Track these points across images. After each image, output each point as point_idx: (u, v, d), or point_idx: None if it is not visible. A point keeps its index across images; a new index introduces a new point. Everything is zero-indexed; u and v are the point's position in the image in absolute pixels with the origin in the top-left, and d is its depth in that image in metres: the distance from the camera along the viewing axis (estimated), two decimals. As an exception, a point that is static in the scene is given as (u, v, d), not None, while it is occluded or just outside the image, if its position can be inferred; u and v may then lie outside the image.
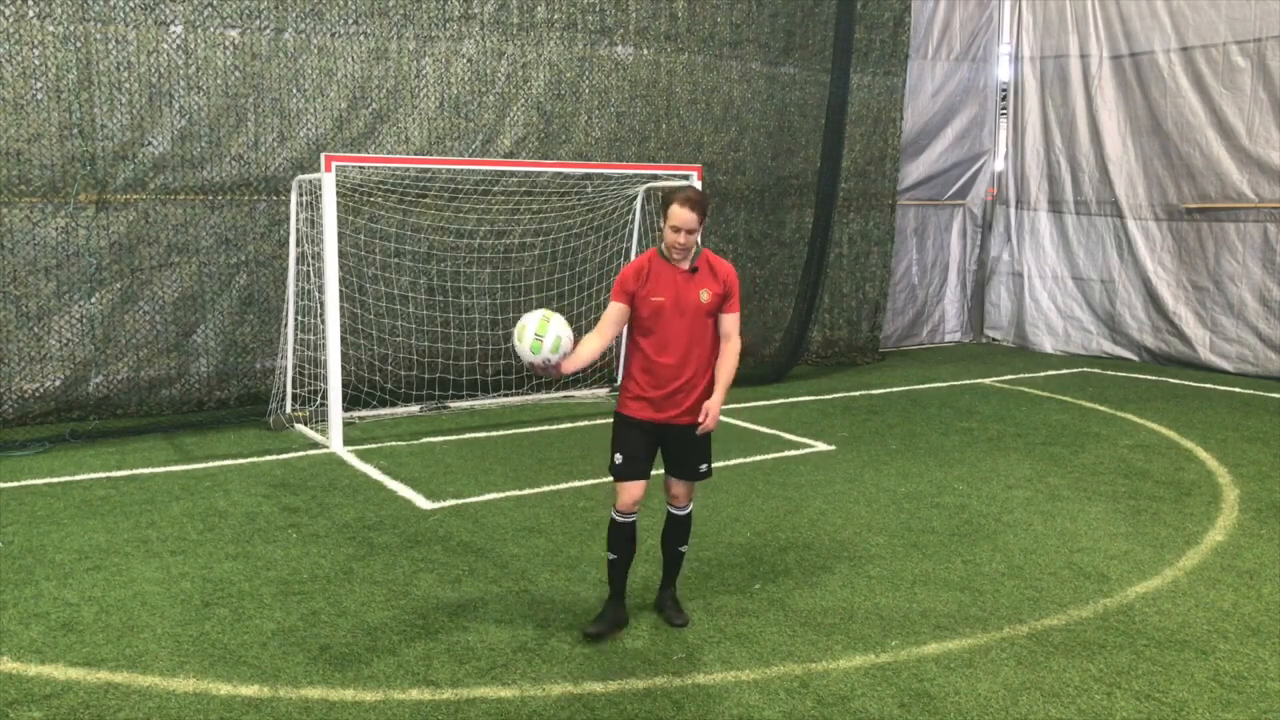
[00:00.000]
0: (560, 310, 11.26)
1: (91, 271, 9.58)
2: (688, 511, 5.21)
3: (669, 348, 4.91)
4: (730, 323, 5.05)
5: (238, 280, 10.22)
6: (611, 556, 5.10)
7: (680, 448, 5.05)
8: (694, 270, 4.97)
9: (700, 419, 4.87)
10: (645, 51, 12.03)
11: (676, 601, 5.31)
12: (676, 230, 4.84)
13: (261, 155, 10.13)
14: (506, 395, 10.94)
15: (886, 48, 13.95)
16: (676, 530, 5.24)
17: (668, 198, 4.91)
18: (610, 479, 5.17)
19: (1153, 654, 4.86)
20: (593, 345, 4.92)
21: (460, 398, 10.71)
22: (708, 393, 4.99)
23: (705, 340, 4.98)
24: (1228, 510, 7.16)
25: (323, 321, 9.10)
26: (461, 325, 10.98)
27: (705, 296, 4.93)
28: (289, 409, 9.86)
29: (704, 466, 5.12)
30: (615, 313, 4.98)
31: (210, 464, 8.31)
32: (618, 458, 5.02)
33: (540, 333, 4.53)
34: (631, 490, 5.00)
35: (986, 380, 12.56)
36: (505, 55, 11.15)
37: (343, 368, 9.23)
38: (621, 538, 5.07)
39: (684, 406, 4.95)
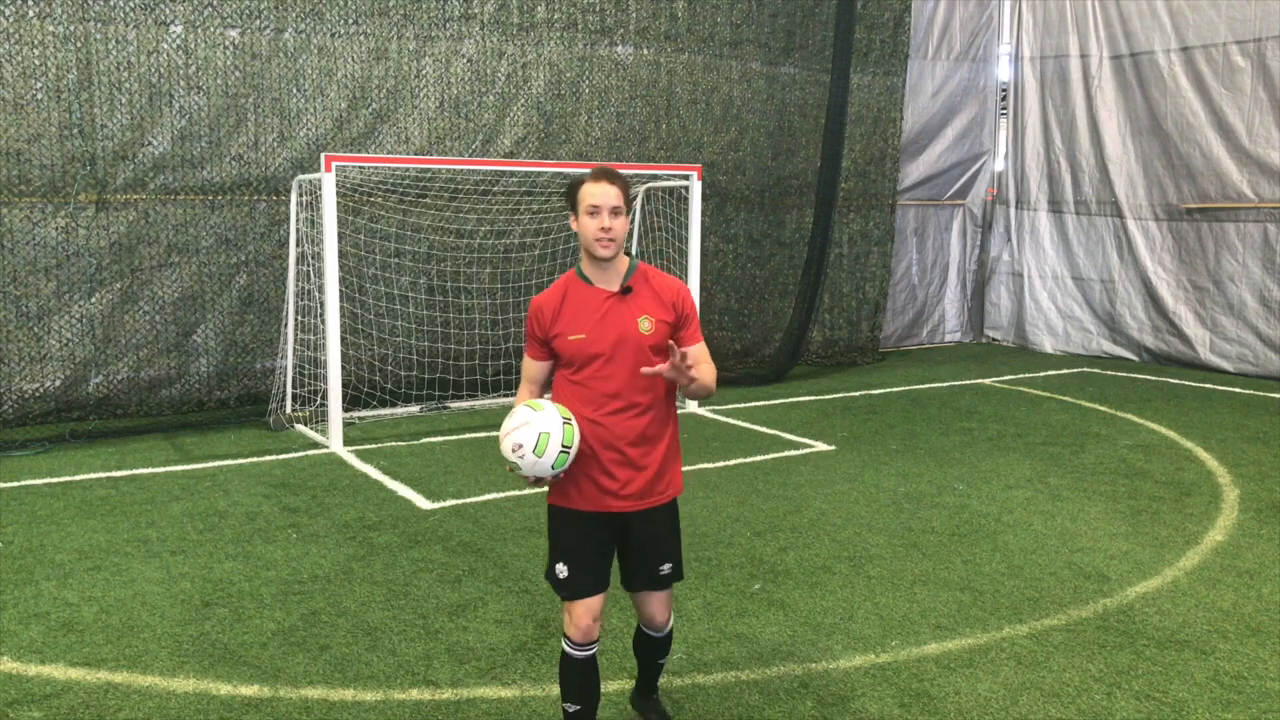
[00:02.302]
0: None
1: (91, 271, 9.58)
2: (667, 633, 3.98)
3: (605, 399, 3.61)
4: (694, 354, 3.70)
5: (238, 280, 10.22)
6: (570, 709, 3.73)
7: (636, 543, 3.76)
8: (626, 291, 3.65)
9: (673, 360, 3.50)
10: (645, 51, 12.03)
11: (662, 709, 4.21)
12: (595, 212, 3.55)
13: (261, 155, 10.14)
14: (506, 395, 10.93)
15: (886, 48, 13.95)
16: (652, 647, 4.04)
17: (576, 180, 3.65)
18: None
19: (1153, 654, 4.86)
20: None
21: (460, 398, 10.71)
22: (668, 464, 3.75)
23: (654, 387, 3.66)
24: (1228, 510, 7.16)
25: (323, 321, 9.10)
26: (461, 325, 10.98)
27: (647, 326, 3.62)
28: (289, 409, 9.86)
29: (667, 567, 3.82)
30: (531, 372, 3.80)
31: (210, 464, 8.31)
32: (560, 569, 3.71)
33: (568, 444, 3.52)
34: (586, 612, 3.67)
35: (986, 380, 12.56)
36: (505, 55, 11.16)
37: (343, 368, 9.23)
38: (579, 679, 3.72)
39: (637, 485, 3.66)
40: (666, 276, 3.79)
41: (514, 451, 3.52)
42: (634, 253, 11.33)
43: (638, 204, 11.62)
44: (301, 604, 5.40)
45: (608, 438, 3.62)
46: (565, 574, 3.71)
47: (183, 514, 6.94)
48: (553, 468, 3.54)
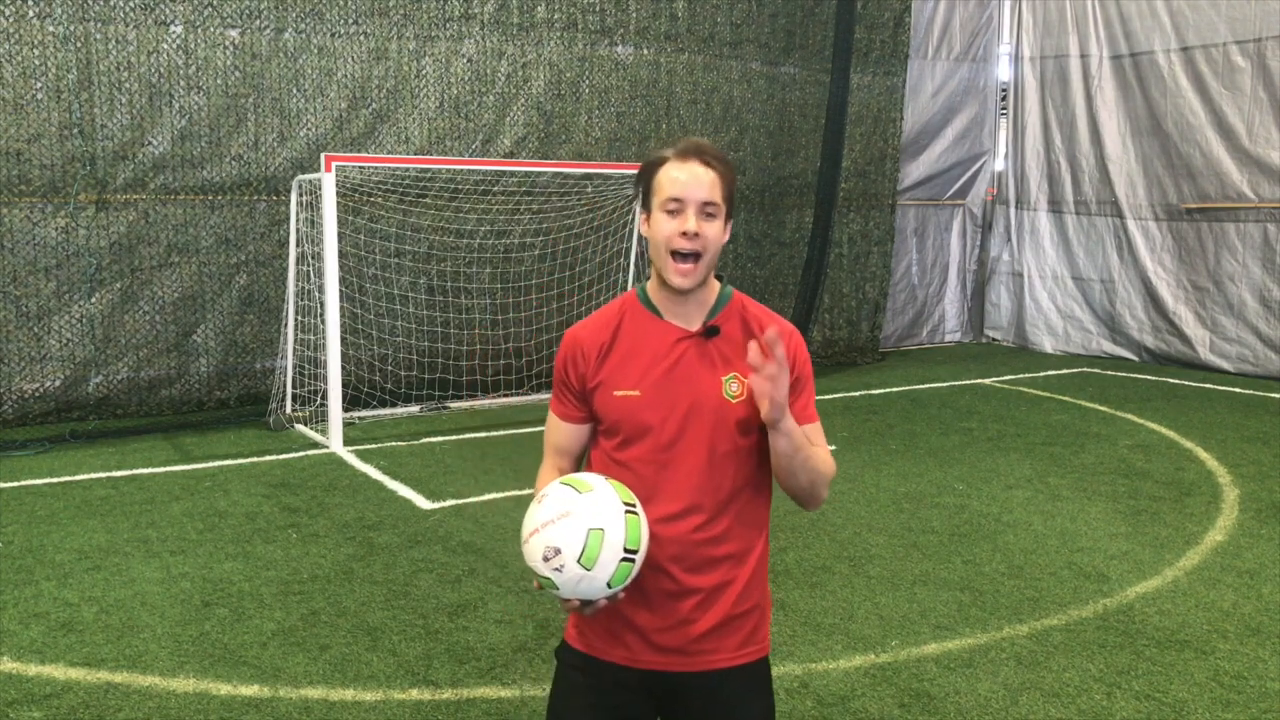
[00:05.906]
0: (560, 312, 11.32)
1: (91, 271, 9.58)
2: None
3: (659, 496, 2.33)
4: (809, 435, 2.37)
5: (238, 280, 10.22)
6: None
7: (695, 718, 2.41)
8: (711, 333, 2.39)
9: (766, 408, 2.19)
10: (645, 51, 12.03)
11: None
12: (677, 208, 2.30)
13: (261, 155, 10.14)
14: (506, 395, 10.94)
15: (886, 48, 13.95)
16: None
17: (653, 159, 2.39)
18: None
19: (1153, 654, 4.86)
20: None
21: (460, 398, 10.71)
22: (750, 601, 2.40)
23: (741, 477, 2.37)
24: (1228, 510, 7.16)
25: (323, 321, 9.10)
26: (461, 325, 10.98)
27: (735, 389, 2.35)
28: (289, 409, 9.86)
29: None
30: (559, 439, 2.54)
31: (210, 464, 8.31)
32: None
33: (633, 546, 2.23)
34: None
35: (986, 380, 12.56)
36: (505, 55, 11.15)
37: (343, 368, 9.23)
38: None
39: (696, 631, 2.36)
40: (772, 315, 2.48)
41: (546, 560, 2.21)
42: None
43: (638, 204, 11.60)
44: (301, 604, 5.40)
45: (657, 556, 2.32)
46: None
47: (183, 514, 6.94)
48: (609, 585, 2.22)
